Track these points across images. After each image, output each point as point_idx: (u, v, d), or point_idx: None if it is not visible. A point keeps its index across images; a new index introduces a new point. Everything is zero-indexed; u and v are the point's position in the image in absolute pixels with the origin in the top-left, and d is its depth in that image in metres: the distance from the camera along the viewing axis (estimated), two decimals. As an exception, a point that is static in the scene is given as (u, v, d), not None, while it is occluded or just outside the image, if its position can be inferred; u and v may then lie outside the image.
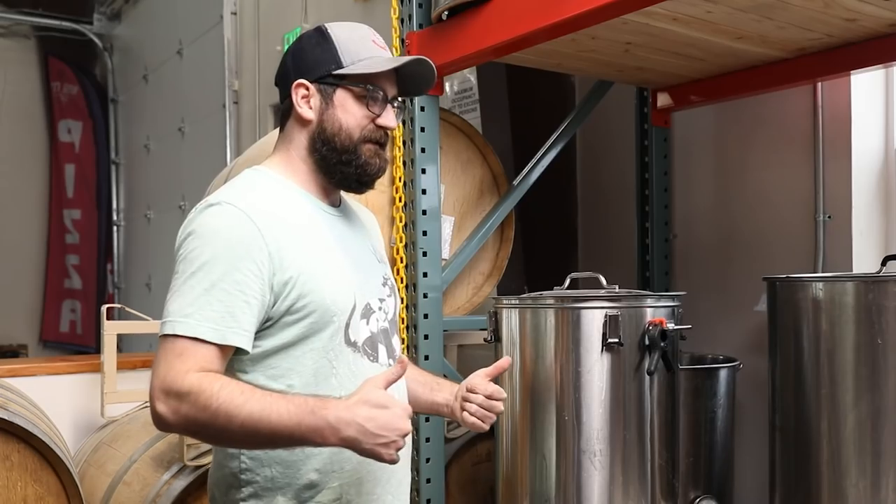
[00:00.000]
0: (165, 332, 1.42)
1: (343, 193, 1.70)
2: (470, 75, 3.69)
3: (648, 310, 2.13)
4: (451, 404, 1.75)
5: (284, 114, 1.63)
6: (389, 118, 1.59)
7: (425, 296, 2.45)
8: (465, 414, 1.70)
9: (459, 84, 3.80)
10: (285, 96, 1.60)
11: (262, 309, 1.45)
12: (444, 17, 2.37)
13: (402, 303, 2.48)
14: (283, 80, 1.62)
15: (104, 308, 3.44)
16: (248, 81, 5.73)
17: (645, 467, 2.13)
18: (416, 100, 2.42)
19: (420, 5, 2.47)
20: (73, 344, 8.46)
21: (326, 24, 1.61)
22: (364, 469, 1.55)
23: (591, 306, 2.09)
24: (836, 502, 1.95)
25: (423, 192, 2.43)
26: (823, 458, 1.98)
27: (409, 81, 1.64)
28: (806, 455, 2.02)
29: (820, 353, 1.99)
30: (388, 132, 1.62)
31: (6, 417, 2.57)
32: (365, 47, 1.58)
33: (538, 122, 3.17)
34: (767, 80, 2.50)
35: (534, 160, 2.74)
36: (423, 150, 2.44)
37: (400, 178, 2.49)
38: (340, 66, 1.55)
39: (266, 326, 1.48)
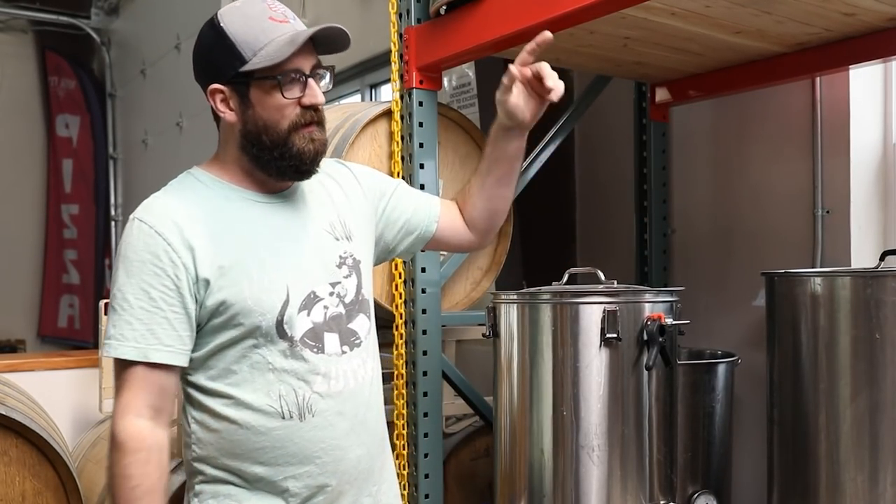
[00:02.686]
0: (106, 355, 1.49)
1: None
2: (468, 70, 3.68)
3: (647, 305, 2.13)
4: (502, 108, 1.68)
5: (214, 117, 1.61)
6: (314, 95, 1.51)
7: (423, 291, 2.45)
8: (512, 98, 1.65)
9: (458, 79, 3.80)
10: (208, 101, 1.57)
11: (187, 320, 1.46)
12: (442, 11, 2.36)
13: (401, 298, 2.47)
14: (200, 84, 1.58)
15: (102, 303, 3.44)
16: (245, 76, 5.72)
17: (643, 462, 2.13)
18: (414, 95, 2.42)
19: (418, 0, 2.46)
20: (71, 339, 8.45)
21: (219, 14, 1.53)
22: (311, 463, 1.53)
23: (590, 301, 2.09)
24: (833, 496, 1.95)
25: (422, 186, 2.43)
26: (821, 452, 1.98)
27: (325, 43, 1.55)
28: (804, 449, 2.02)
29: (818, 348, 1.99)
30: (318, 108, 1.53)
31: (4, 413, 2.57)
32: (262, 31, 1.47)
33: (536, 117, 3.16)
34: (766, 74, 2.50)
35: (532, 155, 2.74)
36: (421, 145, 2.43)
37: (398, 174, 2.48)
38: (244, 63, 1.47)
39: (198, 332, 1.50)
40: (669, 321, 2.09)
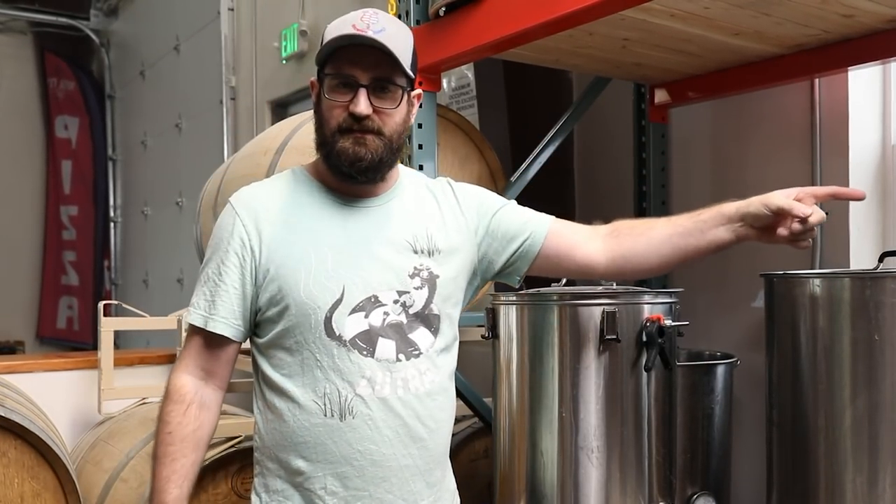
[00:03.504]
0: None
1: (409, 176, 1.70)
2: (467, 71, 3.69)
3: (646, 306, 2.13)
4: (742, 229, 1.63)
5: None
6: (356, 104, 1.52)
7: (423, 292, 2.44)
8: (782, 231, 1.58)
9: (457, 80, 3.80)
10: None
11: (243, 299, 1.57)
12: (441, 13, 2.36)
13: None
14: None
15: (101, 304, 3.45)
16: (245, 77, 5.73)
17: (642, 464, 2.13)
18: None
19: (417, 1, 2.46)
20: (70, 340, 8.46)
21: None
22: (348, 465, 1.54)
23: (589, 303, 2.09)
24: (833, 498, 1.95)
25: (421, 188, 2.43)
26: (821, 453, 1.98)
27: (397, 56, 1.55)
28: (803, 451, 2.02)
29: (817, 350, 1.99)
30: (363, 118, 1.53)
31: (3, 414, 2.57)
32: (342, 31, 1.52)
33: (535, 118, 3.17)
34: (765, 76, 2.50)
35: (531, 156, 2.74)
36: (420, 147, 2.43)
37: (397, 175, 2.48)
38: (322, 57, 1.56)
39: (260, 319, 1.59)
40: (668, 322, 2.09)
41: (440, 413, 1.63)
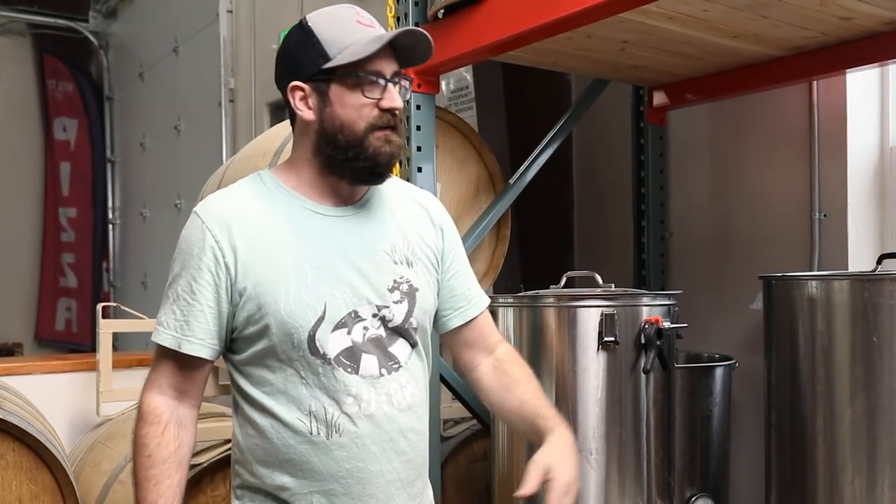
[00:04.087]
0: (152, 339, 1.57)
1: (386, 187, 1.64)
2: (466, 74, 3.69)
3: (644, 308, 2.13)
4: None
5: (291, 117, 1.61)
6: (392, 99, 1.51)
7: (421, 294, 2.44)
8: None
9: (455, 82, 3.80)
10: (286, 100, 1.57)
11: (218, 317, 1.50)
12: (440, 15, 2.36)
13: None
14: (280, 84, 1.59)
15: (100, 306, 3.44)
16: (244, 79, 5.73)
17: (641, 466, 2.13)
18: (412, 98, 2.42)
19: (416, 3, 2.46)
20: (69, 342, 8.45)
21: (307, 17, 1.55)
22: (335, 482, 1.52)
23: (588, 305, 2.09)
24: (831, 500, 1.95)
25: (419, 190, 2.43)
26: (819, 455, 1.98)
27: (406, 54, 1.56)
28: (802, 453, 2.03)
29: (816, 352, 1.99)
30: (396, 113, 1.53)
31: (1, 416, 2.57)
32: (349, 32, 1.50)
33: (534, 121, 3.17)
34: (763, 78, 2.50)
35: (530, 158, 2.74)
36: (419, 149, 2.43)
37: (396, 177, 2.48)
38: (327, 60, 1.49)
39: (235, 337, 1.53)
40: (667, 324, 2.09)
41: (420, 425, 1.62)
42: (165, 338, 1.52)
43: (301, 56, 1.53)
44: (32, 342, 8.68)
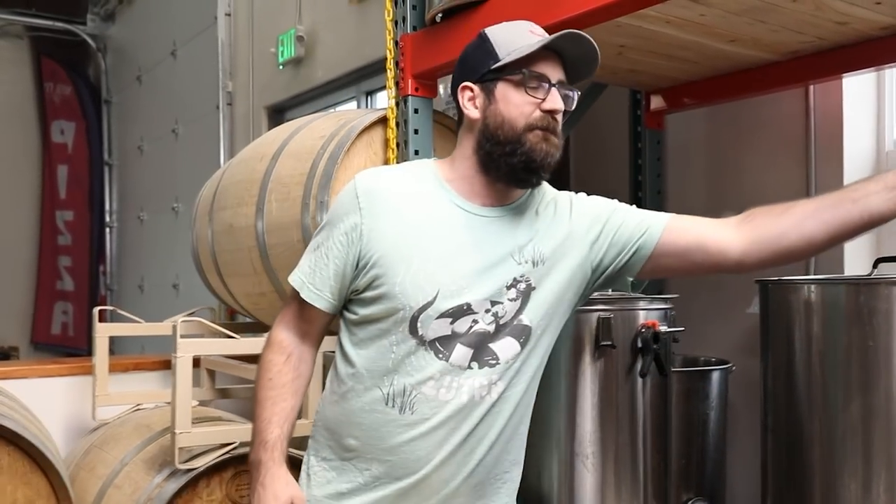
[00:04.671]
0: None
1: (537, 192, 1.69)
2: (463, 77, 3.69)
3: (641, 312, 2.13)
4: None
5: (459, 122, 1.68)
6: (554, 101, 1.57)
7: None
8: None
9: (453, 86, 3.80)
10: (456, 102, 1.65)
11: (342, 277, 1.61)
12: (438, 19, 2.37)
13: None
14: (453, 89, 1.66)
15: (96, 310, 3.43)
16: (242, 83, 5.73)
17: (637, 470, 2.13)
18: (410, 102, 2.43)
19: (414, 7, 2.47)
20: (65, 346, 8.44)
21: (486, 29, 1.64)
22: (396, 457, 1.58)
23: (584, 308, 2.09)
24: (827, 503, 1.95)
25: (416, 193, 2.43)
26: (815, 459, 1.98)
27: (575, 68, 1.63)
28: (798, 456, 2.03)
29: (812, 355, 1.99)
30: (556, 117, 1.58)
31: (-3, 420, 2.56)
32: (521, 37, 1.58)
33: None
34: (760, 82, 2.51)
35: (527, 162, 2.74)
36: (416, 153, 2.44)
37: (393, 180, 2.48)
38: (497, 60, 1.57)
39: (353, 298, 1.64)
40: (664, 328, 2.09)
41: (507, 430, 1.64)
42: (296, 278, 1.66)
43: (474, 59, 1.63)
44: (28, 346, 8.67)
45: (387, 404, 1.58)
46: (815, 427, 1.98)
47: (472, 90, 1.61)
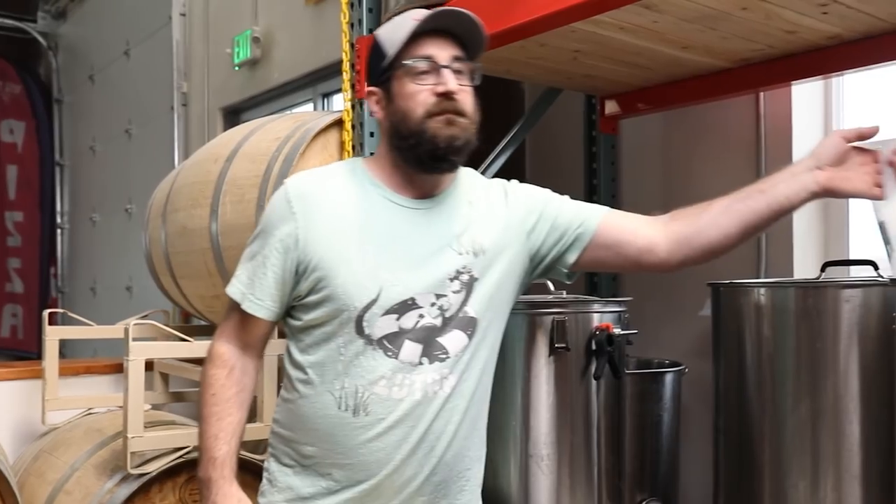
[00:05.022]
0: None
1: (467, 175, 1.70)
2: (421, 80, 3.69)
3: (595, 315, 2.15)
4: (814, 180, 1.54)
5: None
6: (446, 82, 1.53)
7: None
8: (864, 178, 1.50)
9: (410, 89, 3.80)
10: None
11: (281, 284, 1.59)
12: (394, 22, 2.36)
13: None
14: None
15: (46, 313, 3.37)
16: (196, 83, 5.67)
17: (592, 471, 2.15)
18: (366, 105, 2.41)
19: (370, 10, 2.46)
20: (14, 349, 8.27)
21: (377, 30, 1.66)
22: (356, 460, 1.57)
23: (539, 311, 2.11)
24: (777, 502, 1.99)
25: (373, 196, 2.43)
26: (765, 459, 2.01)
27: (468, 41, 1.59)
28: (748, 457, 2.06)
29: (762, 357, 2.02)
30: (455, 97, 1.54)
31: (-58, 425, 2.51)
32: (403, 27, 1.55)
33: (487, 128, 3.15)
34: (712, 89, 2.55)
35: (483, 165, 2.75)
36: (372, 155, 2.43)
37: (349, 183, 2.47)
38: (385, 58, 1.57)
39: (296, 304, 1.62)
40: (617, 331, 2.11)
41: (463, 423, 1.62)
42: (234, 290, 1.64)
43: (370, 63, 1.63)
44: (-24, 349, 8.47)
45: (340, 408, 1.56)
46: (765, 428, 2.01)
47: (375, 93, 1.62)
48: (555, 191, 1.80)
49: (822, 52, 2.25)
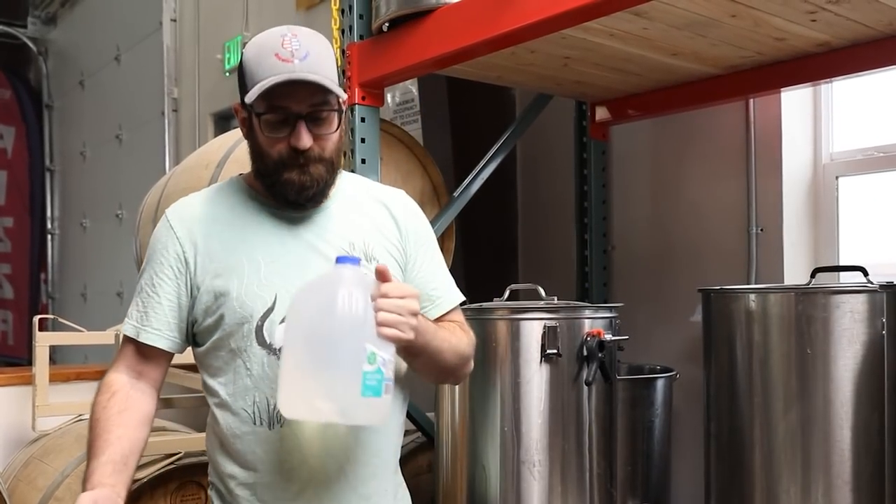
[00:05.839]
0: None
1: (352, 182, 1.69)
2: (412, 87, 3.70)
3: (587, 321, 2.16)
4: None
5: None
6: (297, 139, 1.49)
7: (366, 307, 2.44)
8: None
9: (401, 95, 3.81)
10: None
11: (178, 310, 1.58)
12: (384, 28, 2.37)
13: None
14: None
15: (36, 318, 3.36)
16: (187, 89, 5.66)
17: (583, 476, 2.15)
18: (357, 111, 2.42)
19: (361, 16, 2.46)
20: (4, 355, 8.24)
21: (249, 41, 1.57)
22: (277, 474, 1.54)
23: (531, 317, 2.11)
24: (767, 508, 1.99)
25: (364, 202, 2.43)
26: (756, 464, 2.02)
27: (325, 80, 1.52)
28: (739, 462, 2.07)
29: (753, 363, 2.03)
30: (307, 152, 1.50)
31: (-69, 433, 2.49)
32: (265, 66, 1.48)
33: (479, 134, 3.19)
34: (702, 95, 2.56)
35: (474, 172, 2.76)
36: (363, 161, 2.43)
37: (341, 189, 2.47)
38: (247, 91, 1.49)
39: (197, 330, 1.60)
40: (609, 337, 2.12)
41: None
42: (128, 327, 1.60)
43: (239, 81, 1.56)
44: (-35, 355, 8.43)
45: (255, 423, 1.54)
46: (755, 433, 2.02)
47: (240, 112, 1.58)
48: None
49: (810, 59, 2.26)
